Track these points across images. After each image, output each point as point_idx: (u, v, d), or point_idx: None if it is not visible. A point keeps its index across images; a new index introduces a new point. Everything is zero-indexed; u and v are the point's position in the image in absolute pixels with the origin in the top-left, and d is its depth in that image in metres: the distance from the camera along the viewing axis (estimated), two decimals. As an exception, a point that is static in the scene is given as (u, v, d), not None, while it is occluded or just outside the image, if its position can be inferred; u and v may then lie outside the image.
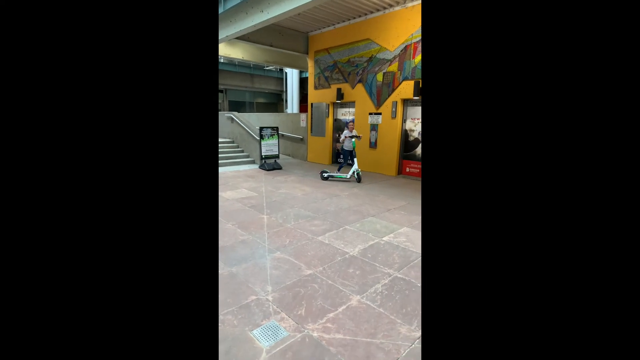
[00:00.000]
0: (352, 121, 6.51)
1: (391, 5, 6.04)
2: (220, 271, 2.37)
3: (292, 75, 14.14)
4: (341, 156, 6.16)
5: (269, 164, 7.05)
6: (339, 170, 6.29)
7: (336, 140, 7.98)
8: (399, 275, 2.36)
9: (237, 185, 5.37)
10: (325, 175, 6.09)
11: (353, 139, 5.91)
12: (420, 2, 5.64)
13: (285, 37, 7.66)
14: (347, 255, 2.69)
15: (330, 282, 2.24)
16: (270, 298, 2.03)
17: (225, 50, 8.10)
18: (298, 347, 1.60)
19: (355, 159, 5.92)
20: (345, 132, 6.04)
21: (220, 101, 14.64)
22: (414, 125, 6.33)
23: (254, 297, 2.03)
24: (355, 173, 5.83)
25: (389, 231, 3.29)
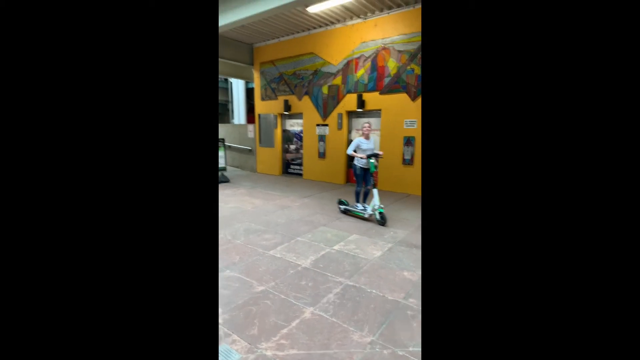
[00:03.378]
0: (369, 124, 4.21)
1: (333, 23, 6.34)
2: (163, 297, 2.21)
3: (238, 86, 13.87)
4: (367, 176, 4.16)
5: (216, 177, 6.76)
6: (356, 199, 4.29)
7: (285, 150, 7.99)
8: (350, 283, 2.43)
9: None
10: (342, 208, 4.37)
11: (372, 160, 3.93)
12: (359, 21, 6.01)
13: (230, 47, 7.53)
14: (299, 268, 2.70)
15: (283, 296, 2.23)
16: (220, 320, 1.94)
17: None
18: (251, 369, 1.55)
19: (375, 191, 3.88)
20: (360, 142, 4.01)
21: (159, 111, 13.70)
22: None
23: (202, 322, 1.93)
24: (377, 212, 3.86)
25: (339, 239, 3.39)
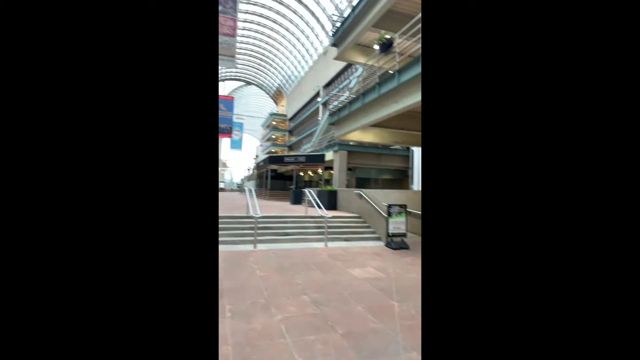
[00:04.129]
0: None
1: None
2: (353, 362, 2.25)
3: (419, 153, 14.25)
4: None
5: (396, 243, 6.82)
6: None
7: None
8: None
9: (364, 263, 5.35)
10: None
11: None
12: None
13: (415, 119, 8.04)
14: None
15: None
16: (411, 414, 1.74)
17: (359, 136, 9.09)
18: None
19: None
20: None
21: (348, 178, 15.94)
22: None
23: (391, 407, 1.79)
24: None
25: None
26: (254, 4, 32.21)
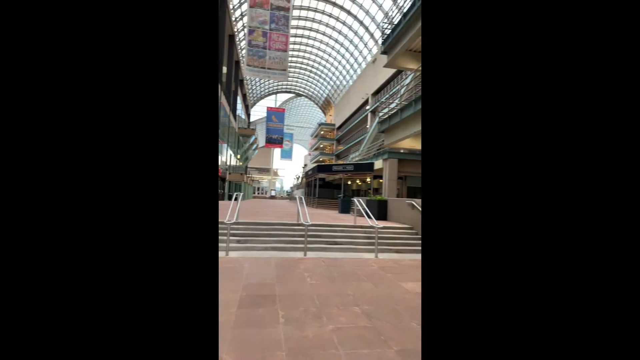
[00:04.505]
0: None
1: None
2: (409, 382, 2.13)
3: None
4: None
5: (452, 257, 6.38)
6: None
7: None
8: None
9: (417, 277, 5.09)
10: None
11: None
12: None
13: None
14: None
15: None
16: None
17: (410, 144, 8.81)
18: None
19: None
20: None
21: (398, 187, 15.46)
22: None
23: None
24: None
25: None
26: (304, 19, 33.59)
